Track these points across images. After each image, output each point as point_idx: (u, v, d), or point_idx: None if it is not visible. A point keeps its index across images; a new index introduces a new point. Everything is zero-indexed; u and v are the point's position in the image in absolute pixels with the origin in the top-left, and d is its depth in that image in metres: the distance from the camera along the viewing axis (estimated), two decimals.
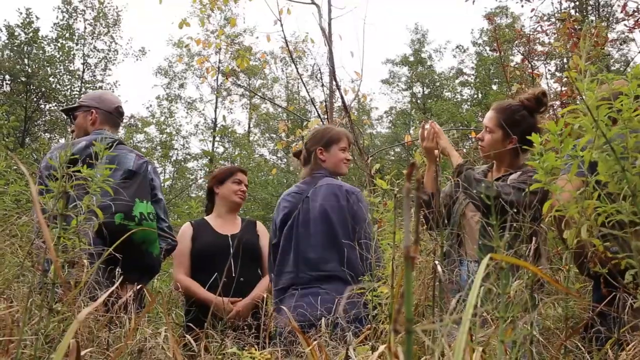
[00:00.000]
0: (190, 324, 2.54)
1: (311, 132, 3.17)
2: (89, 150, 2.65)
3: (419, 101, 29.03)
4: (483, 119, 2.86)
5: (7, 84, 20.79)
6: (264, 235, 3.44)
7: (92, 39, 22.69)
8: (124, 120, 3.22)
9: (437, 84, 29.05)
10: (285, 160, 26.12)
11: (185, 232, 3.44)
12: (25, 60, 20.62)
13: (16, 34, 20.74)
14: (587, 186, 1.57)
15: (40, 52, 20.94)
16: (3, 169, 3.03)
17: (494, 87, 24.75)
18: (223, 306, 2.99)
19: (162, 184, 2.97)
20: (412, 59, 29.16)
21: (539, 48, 7.54)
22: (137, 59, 23.56)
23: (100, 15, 22.57)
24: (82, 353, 1.31)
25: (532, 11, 8.67)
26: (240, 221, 3.53)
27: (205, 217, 3.55)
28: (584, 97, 1.53)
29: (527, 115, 2.68)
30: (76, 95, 21.22)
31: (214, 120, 26.08)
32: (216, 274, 2.98)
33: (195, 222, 3.55)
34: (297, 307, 2.52)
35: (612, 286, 1.63)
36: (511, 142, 2.65)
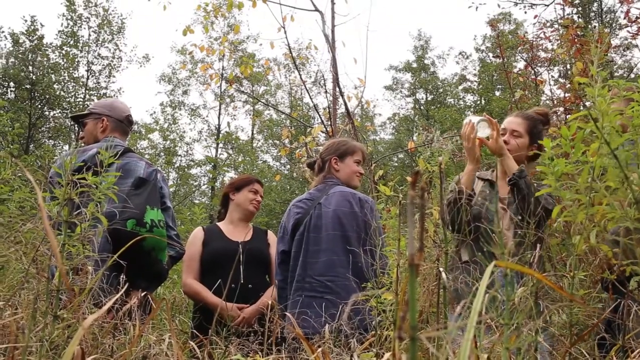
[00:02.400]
0: (194, 331, 2.54)
1: (328, 142, 3.23)
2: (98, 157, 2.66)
3: (422, 107, 29.03)
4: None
5: (11, 90, 20.86)
6: (274, 244, 3.45)
7: (97, 46, 22.77)
8: None
9: (440, 90, 29.06)
10: (288, 166, 26.13)
11: (196, 237, 3.45)
12: (30, 68, 20.70)
13: (21, 41, 20.83)
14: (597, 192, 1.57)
15: (45, 59, 21.02)
16: (8, 176, 3.04)
17: (497, 94, 24.75)
18: (227, 312, 2.99)
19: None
20: (415, 65, 29.19)
21: (542, 54, 7.55)
22: (141, 66, 23.63)
23: (105, 22, 22.66)
24: None
25: (535, 17, 8.68)
26: (252, 229, 3.54)
27: (217, 223, 3.57)
28: (594, 103, 1.53)
29: (542, 127, 2.81)
30: (80, 103, 21.28)
31: (217, 126, 26.13)
32: (220, 280, 3.00)
33: (207, 227, 3.57)
34: (302, 314, 2.51)
35: (619, 293, 1.62)
36: (532, 149, 2.74)
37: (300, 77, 8.14)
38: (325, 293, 2.67)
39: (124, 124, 3.02)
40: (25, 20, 20.83)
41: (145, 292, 2.33)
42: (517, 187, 2.55)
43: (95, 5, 22.56)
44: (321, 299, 2.63)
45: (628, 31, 7.23)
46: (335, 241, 2.75)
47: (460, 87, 28.60)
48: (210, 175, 25.20)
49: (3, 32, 20.80)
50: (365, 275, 2.40)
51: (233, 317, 3.06)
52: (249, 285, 3.19)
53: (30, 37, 20.83)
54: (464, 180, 2.71)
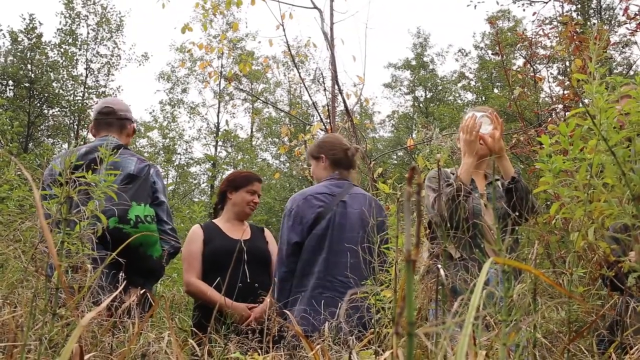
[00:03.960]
0: (194, 329, 2.54)
1: (332, 139, 3.24)
2: (89, 156, 2.67)
3: (421, 105, 29.03)
4: None
5: (10, 89, 20.85)
6: (272, 242, 3.47)
7: (95, 44, 22.76)
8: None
9: (440, 87, 29.05)
10: (287, 164, 26.13)
11: (196, 235, 3.41)
12: (29, 66, 20.68)
13: (19, 39, 20.82)
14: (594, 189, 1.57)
15: (44, 57, 21.00)
16: (12, 177, 3.05)
17: (496, 91, 24.73)
18: (238, 311, 2.99)
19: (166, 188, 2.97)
20: (414, 63, 29.17)
21: (541, 51, 7.53)
22: (139, 64, 23.61)
23: (103, 20, 22.63)
24: (86, 357, 1.31)
25: (534, 15, 8.67)
26: (249, 227, 3.54)
27: (214, 221, 3.55)
28: (592, 100, 1.53)
29: None
30: (79, 101, 21.26)
31: (216, 124, 26.12)
32: (219, 278, 2.99)
33: (204, 224, 3.53)
34: (318, 313, 2.50)
35: (617, 289, 1.63)
36: None
37: (299, 75, 8.13)
38: (346, 294, 2.65)
39: (100, 120, 3.01)
40: (24, 19, 20.82)
41: (143, 290, 2.33)
42: (515, 189, 2.56)
43: (94, 4, 22.54)
44: (341, 300, 2.61)
45: (627, 28, 7.22)
46: (360, 243, 2.74)
47: (460, 85, 28.58)
48: (210, 174, 25.19)
49: (2, 30, 20.80)
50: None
51: (243, 316, 3.05)
52: (255, 284, 3.19)
53: (29, 35, 20.81)
54: (463, 175, 2.69)
